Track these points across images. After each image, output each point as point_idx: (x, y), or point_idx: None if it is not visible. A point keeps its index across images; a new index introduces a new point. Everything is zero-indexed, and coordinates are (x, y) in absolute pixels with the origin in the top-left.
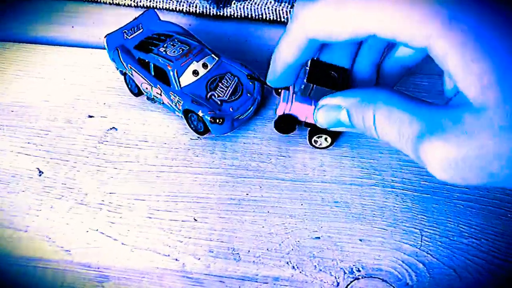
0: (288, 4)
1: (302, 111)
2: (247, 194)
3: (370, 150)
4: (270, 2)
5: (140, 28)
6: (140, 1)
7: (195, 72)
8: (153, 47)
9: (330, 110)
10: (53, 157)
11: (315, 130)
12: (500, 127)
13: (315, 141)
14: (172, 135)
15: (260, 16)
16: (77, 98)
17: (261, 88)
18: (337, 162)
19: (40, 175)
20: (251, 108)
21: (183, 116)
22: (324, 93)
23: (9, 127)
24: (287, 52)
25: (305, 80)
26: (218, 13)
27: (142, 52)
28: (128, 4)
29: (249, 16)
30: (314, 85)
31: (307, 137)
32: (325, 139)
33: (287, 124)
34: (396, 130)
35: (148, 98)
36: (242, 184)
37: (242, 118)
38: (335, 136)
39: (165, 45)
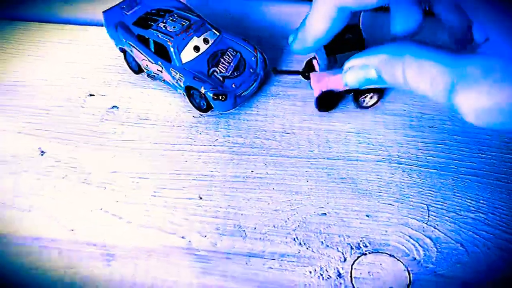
0: None
1: (337, 82)
2: (252, 171)
3: (376, 125)
4: None
5: (138, 3)
6: None
7: (196, 48)
8: (152, 23)
9: (358, 70)
10: (55, 136)
11: (359, 91)
12: None
13: (363, 101)
14: (174, 113)
15: None
16: (76, 76)
17: (264, 64)
18: (342, 138)
19: (42, 155)
20: (254, 84)
21: (185, 94)
22: (349, 56)
23: (8, 106)
24: (318, 24)
25: (325, 55)
26: None
27: (141, 28)
28: None
29: None
30: (337, 55)
31: (353, 99)
32: (371, 97)
33: (329, 100)
34: (429, 82)
35: (148, 76)
36: (246, 161)
37: (245, 94)
38: (381, 93)
39: (164, 21)
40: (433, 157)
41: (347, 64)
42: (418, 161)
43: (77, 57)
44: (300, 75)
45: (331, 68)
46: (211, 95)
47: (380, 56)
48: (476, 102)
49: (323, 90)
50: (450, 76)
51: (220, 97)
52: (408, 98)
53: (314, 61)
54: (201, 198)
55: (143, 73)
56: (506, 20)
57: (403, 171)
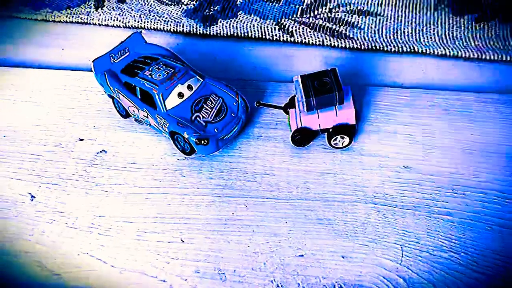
0: (273, 21)
1: (312, 121)
2: (233, 213)
3: (352, 166)
4: (256, 19)
5: (127, 51)
6: (129, 22)
7: (180, 95)
8: (138, 71)
9: None
10: (44, 181)
11: (331, 133)
12: None
13: (335, 143)
14: (159, 156)
15: (246, 33)
16: (68, 121)
17: (245, 108)
18: (320, 179)
19: (32, 200)
20: (236, 128)
21: (170, 138)
22: (326, 99)
23: (0, 152)
24: None
25: (304, 97)
26: (205, 32)
27: (128, 76)
28: (117, 25)
29: (235, 34)
30: (315, 97)
31: (326, 140)
32: (342, 137)
33: (302, 136)
34: None
35: (136, 120)
36: (228, 203)
37: (227, 137)
38: (351, 135)
39: (150, 69)
40: (407, 197)
41: None
42: (392, 201)
43: (69, 102)
44: (282, 110)
45: (309, 108)
46: (194, 140)
47: None
48: None
49: (298, 127)
50: None
51: (203, 142)
52: (382, 139)
53: (295, 98)
54: (182, 241)
55: (130, 118)
56: None
57: (378, 211)
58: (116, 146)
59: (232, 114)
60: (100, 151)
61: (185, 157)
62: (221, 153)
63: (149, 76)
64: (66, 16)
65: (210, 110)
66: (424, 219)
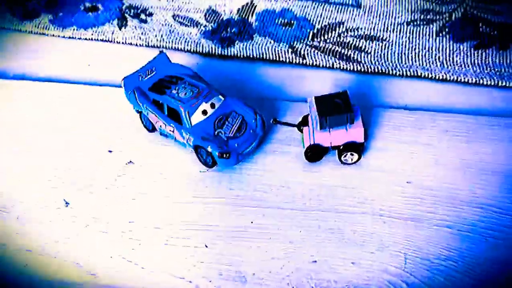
0: (286, 44)
1: (324, 139)
2: (251, 222)
3: (361, 181)
4: (270, 42)
5: (154, 70)
6: (151, 41)
7: (204, 112)
8: (166, 89)
9: None
10: (79, 188)
11: (342, 150)
12: None
13: (345, 159)
14: (183, 168)
15: (261, 55)
16: (97, 134)
17: (263, 125)
18: (332, 192)
19: (67, 206)
20: (254, 143)
21: (193, 151)
22: (338, 119)
23: (36, 160)
24: None
25: (317, 116)
26: (223, 53)
27: (156, 94)
28: (140, 44)
29: (251, 55)
30: (327, 117)
31: (337, 156)
32: (351, 154)
33: (314, 153)
34: None
35: (161, 134)
36: (247, 212)
37: (246, 152)
38: (360, 152)
39: (177, 88)
40: (410, 210)
41: None
42: (397, 213)
43: (96, 116)
44: (296, 127)
45: (321, 127)
46: (217, 153)
47: None
48: None
49: (311, 143)
50: None
51: (225, 156)
52: (387, 156)
53: (308, 117)
54: (206, 246)
55: (156, 131)
56: None
57: (384, 223)
58: (143, 158)
59: (251, 131)
60: (128, 162)
61: (207, 169)
62: (239, 166)
63: (176, 95)
64: (92, 34)
65: (231, 126)
66: (425, 230)
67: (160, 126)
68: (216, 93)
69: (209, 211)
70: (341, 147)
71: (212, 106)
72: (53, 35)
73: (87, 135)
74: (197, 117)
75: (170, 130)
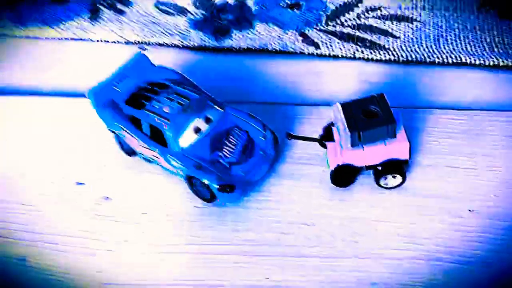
0: (294, 30)
1: (357, 157)
2: (267, 278)
3: (406, 211)
4: (275, 29)
5: (130, 76)
6: (130, 36)
7: (197, 129)
8: (146, 101)
9: None
10: (39, 239)
11: (381, 172)
12: None
13: (385, 183)
14: (175, 204)
15: (265, 47)
16: (61, 160)
17: (275, 143)
18: (370, 228)
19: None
20: (265, 168)
21: (185, 181)
22: (375, 133)
23: None
24: None
25: (348, 131)
26: (217, 46)
27: (134, 109)
28: (117, 40)
29: (252, 47)
30: (361, 131)
31: (374, 179)
32: (393, 176)
33: (344, 175)
34: None
35: (144, 158)
36: (259, 265)
37: (254, 180)
38: (404, 173)
39: (159, 99)
40: (477, 250)
41: None
42: (461, 256)
43: (64, 136)
44: (317, 142)
45: (354, 144)
46: (217, 187)
47: None
48: None
49: (339, 164)
50: None
51: (227, 189)
52: (438, 175)
53: (334, 129)
54: None
55: (137, 155)
56: None
57: (445, 271)
58: (122, 192)
59: (261, 152)
60: (105, 198)
61: (204, 204)
62: (247, 197)
63: (158, 109)
64: (59, 32)
65: (234, 147)
66: (499, 275)
67: (141, 151)
68: (212, 103)
69: (210, 264)
70: (380, 168)
71: (207, 121)
72: (11, 35)
73: (49, 162)
74: (188, 138)
75: (153, 155)
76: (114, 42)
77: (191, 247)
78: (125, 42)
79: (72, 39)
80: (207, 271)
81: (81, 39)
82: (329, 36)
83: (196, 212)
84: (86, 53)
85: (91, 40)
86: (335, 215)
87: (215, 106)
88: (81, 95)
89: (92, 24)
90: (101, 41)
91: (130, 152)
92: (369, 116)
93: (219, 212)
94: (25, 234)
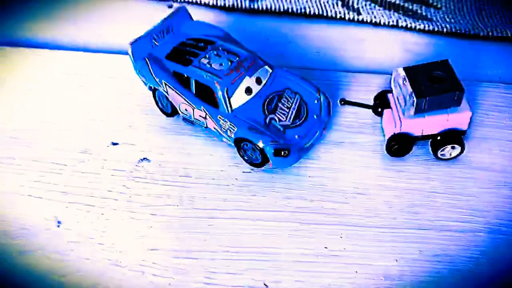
0: None
1: (416, 126)
2: (325, 247)
3: (465, 183)
4: None
5: (171, 31)
6: None
7: (248, 90)
8: (192, 58)
9: None
10: (73, 200)
11: (440, 142)
12: None
13: (442, 154)
14: (219, 167)
15: (303, 10)
16: (93, 119)
17: (328, 108)
18: (429, 200)
19: (58, 226)
20: (319, 134)
21: (233, 144)
22: (442, 100)
23: (10, 159)
24: None
25: (413, 96)
26: (252, 7)
27: (179, 65)
28: None
29: (289, 10)
30: (428, 97)
31: (430, 149)
32: (452, 148)
33: (402, 144)
34: None
35: (184, 119)
36: (316, 233)
37: (308, 146)
38: (463, 144)
39: (207, 55)
40: None
41: None
42: None
43: (94, 94)
44: (371, 109)
45: (418, 111)
46: (272, 150)
47: None
48: None
49: (396, 133)
50: None
51: (283, 153)
52: (493, 148)
53: (390, 96)
54: (266, 286)
55: (177, 116)
56: None
57: (510, 244)
58: (161, 153)
59: (315, 116)
60: (142, 159)
61: (252, 169)
62: (297, 164)
63: (208, 65)
64: None
65: (287, 110)
66: None
67: (186, 109)
68: (262, 62)
69: (262, 231)
70: (439, 138)
71: (258, 81)
72: None
73: (80, 120)
74: (239, 98)
75: (200, 116)
76: None
77: (241, 212)
78: None
79: None
80: (261, 239)
81: None
82: (370, 2)
83: (243, 176)
84: (115, 8)
85: None
86: (391, 185)
87: (266, 66)
88: (106, 51)
89: None
90: None
91: (170, 112)
92: (434, 82)
93: (268, 178)
94: (60, 195)
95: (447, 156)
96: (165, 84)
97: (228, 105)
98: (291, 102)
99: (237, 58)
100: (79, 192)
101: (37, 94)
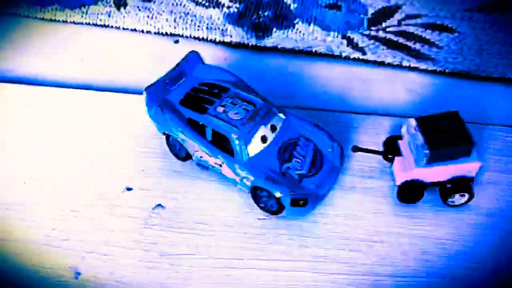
0: (337, 32)
1: (426, 174)
2: None
3: (475, 231)
4: (316, 30)
5: (183, 75)
6: (162, 28)
7: (264, 138)
8: (207, 105)
9: None
10: (89, 249)
11: (449, 190)
12: None
13: (451, 201)
14: (234, 214)
15: (309, 49)
16: (106, 163)
17: (342, 156)
18: (439, 248)
19: (77, 278)
20: (334, 181)
21: (247, 191)
22: (453, 152)
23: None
24: None
25: (426, 148)
26: (258, 44)
27: (195, 112)
28: (146, 30)
29: (296, 49)
30: (441, 150)
31: (440, 196)
32: (461, 196)
33: (413, 192)
34: None
35: (199, 164)
36: (333, 283)
37: (324, 194)
38: (472, 191)
39: (223, 104)
40: None
41: None
42: None
43: (101, 135)
44: (382, 156)
45: (430, 162)
46: (289, 200)
47: None
48: None
49: (407, 180)
50: None
51: (300, 203)
52: (502, 193)
53: (401, 143)
54: None
55: (190, 160)
56: None
57: None
58: (175, 199)
59: (331, 164)
60: (157, 206)
61: (267, 215)
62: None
63: (224, 114)
64: (81, 16)
65: (303, 158)
66: None
67: (201, 156)
68: (276, 110)
69: (282, 282)
70: (448, 185)
71: (273, 129)
72: (29, 16)
73: (93, 165)
74: (255, 147)
75: (216, 164)
76: (143, 32)
77: (258, 262)
78: (155, 32)
79: (95, 25)
80: None
81: (105, 26)
82: (374, 41)
83: (258, 224)
84: (113, 42)
85: (116, 27)
86: (404, 233)
87: (279, 114)
88: (115, 89)
89: (118, 10)
90: (128, 29)
91: (184, 156)
92: (446, 133)
93: (284, 226)
94: (76, 244)
95: (456, 203)
96: (182, 132)
97: (245, 155)
98: (306, 150)
99: (253, 107)
100: (94, 239)
101: (48, 137)
